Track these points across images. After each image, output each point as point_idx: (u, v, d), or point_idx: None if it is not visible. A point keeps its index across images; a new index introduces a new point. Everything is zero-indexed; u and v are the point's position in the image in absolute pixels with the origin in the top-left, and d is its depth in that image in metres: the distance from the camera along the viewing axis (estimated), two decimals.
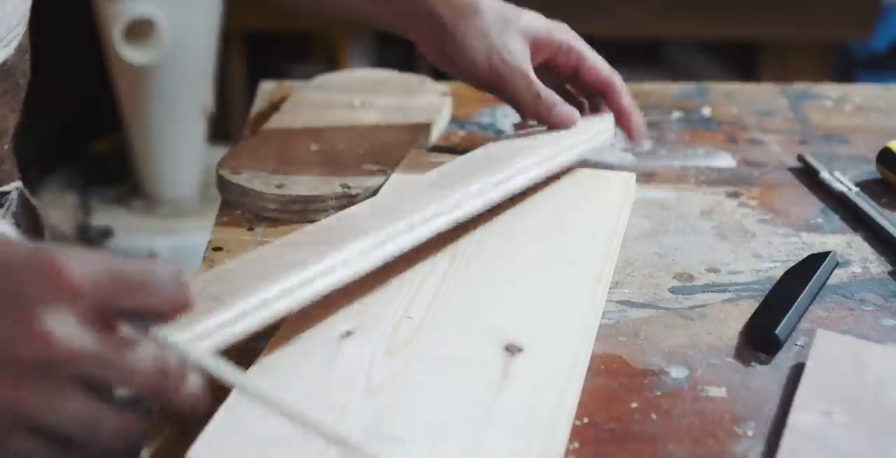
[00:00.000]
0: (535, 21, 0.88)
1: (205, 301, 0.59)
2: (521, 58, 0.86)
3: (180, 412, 0.54)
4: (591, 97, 0.93)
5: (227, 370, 0.55)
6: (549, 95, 0.87)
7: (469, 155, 0.87)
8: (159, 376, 0.51)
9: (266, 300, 0.62)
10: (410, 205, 0.75)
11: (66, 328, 0.48)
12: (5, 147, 0.77)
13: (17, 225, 0.83)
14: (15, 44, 0.77)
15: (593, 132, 0.90)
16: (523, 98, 0.87)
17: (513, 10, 0.88)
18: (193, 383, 0.54)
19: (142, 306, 0.51)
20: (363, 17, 0.91)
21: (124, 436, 0.50)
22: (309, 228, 0.73)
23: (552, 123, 0.88)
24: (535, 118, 0.90)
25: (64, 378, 0.49)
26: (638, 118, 0.91)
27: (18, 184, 0.83)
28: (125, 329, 0.51)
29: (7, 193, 0.81)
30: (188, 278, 0.53)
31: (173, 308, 0.53)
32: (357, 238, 0.69)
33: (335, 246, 0.68)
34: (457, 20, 0.86)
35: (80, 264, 0.49)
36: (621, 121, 0.91)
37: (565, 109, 0.88)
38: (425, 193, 0.77)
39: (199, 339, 0.57)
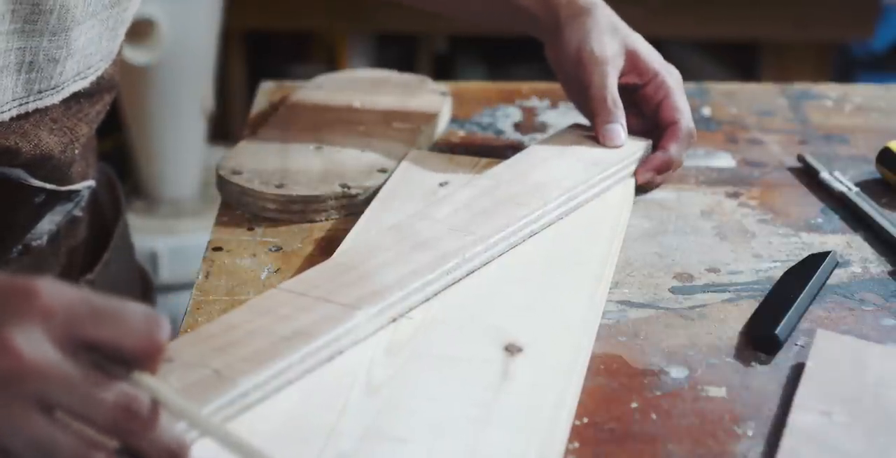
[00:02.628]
0: (641, 42, 0.90)
1: (202, 372, 0.59)
2: (609, 57, 0.87)
3: None
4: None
5: (199, 417, 0.52)
6: (617, 105, 0.88)
7: (492, 182, 0.83)
8: (123, 413, 0.49)
9: (271, 378, 0.61)
10: (434, 257, 0.72)
11: (34, 345, 0.47)
12: (76, 152, 0.80)
13: (81, 215, 0.87)
14: (93, 78, 0.79)
15: (629, 161, 0.88)
16: (593, 94, 0.88)
17: (627, 27, 0.90)
18: (168, 433, 0.51)
19: (110, 339, 0.50)
20: (489, 18, 0.96)
21: None
22: (324, 267, 0.71)
23: (601, 134, 0.88)
24: (590, 119, 0.89)
25: (26, 397, 0.48)
26: (664, 168, 0.89)
27: (90, 183, 0.87)
28: (96, 362, 0.50)
29: (77, 191, 0.84)
30: (161, 322, 0.50)
31: (142, 348, 0.50)
32: (370, 304, 0.67)
33: (348, 312, 0.66)
34: (570, 18, 0.88)
35: (55, 288, 0.49)
36: (653, 158, 0.89)
37: (618, 128, 0.88)
38: (449, 240, 0.74)
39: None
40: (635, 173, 0.88)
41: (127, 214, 1.00)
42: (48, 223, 0.82)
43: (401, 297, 0.68)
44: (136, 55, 1.94)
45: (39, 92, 0.75)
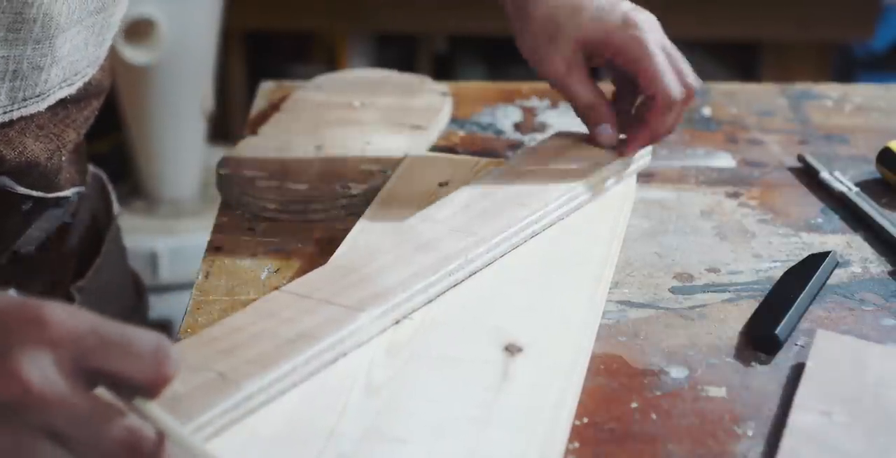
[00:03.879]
0: (591, 22, 0.84)
1: (207, 375, 0.59)
2: (562, 70, 0.85)
3: None
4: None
5: (203, 451, 0.51)
6: (597, 110, 0.86)
7: (492, 183, 0.82)
8: (129, 449, 0.48)
9: (275, 381, 0.61)
10: (436, 258, 0.72)
11: (43, 374, 0.47)
12: (62, 158, 0.80)
13: (71, 222, 0.86)
14: (79, 84, 0.79)
15: (630, 160, 0.88)
16: (574, 108, 0.87)
17: (572, 7, 0.85)
18: None
19: (119, 370, 0.49)
20: None
21: None
22: (326, 269, 0.71)
23: (594, 138, 0.87)
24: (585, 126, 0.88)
25: (34, 426, 0.47)
26: (651, 141, 0.87)
27: (79, 189, 0.86)
28: (105, 394, 0.49)
29: (66, 197, 0.84)
30: (169, 352, 0.50)
31: (150, 380, 0.49)
32: (373, 306, 0.67)
33: (351, 314, 0.66)
34: (518, 22, 0.86)
35: (64, 315, 0.48)
36: (636, 137, 0.86)
37: (606, 131, 0.86)
38: (451, 241, 0.74)
39: (203, 426, 0.56)
40: (627, 151, 0.87)
41: (126, 214, 1.00)
42: (37, 231, 0.81)
43: (404, 299, 0.68)
44: (136, 55, 1.94)
45: (24, 100, 0.74)
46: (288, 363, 0.61)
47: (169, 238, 2.10)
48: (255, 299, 0.69)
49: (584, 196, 0.83)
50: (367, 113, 0.99)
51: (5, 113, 0.73)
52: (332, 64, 2.38)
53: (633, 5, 0.87)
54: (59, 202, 0.83)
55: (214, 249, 0.81)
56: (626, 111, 0.89)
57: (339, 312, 0.65)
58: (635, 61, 0.83)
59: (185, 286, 1.95)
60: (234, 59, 2.35)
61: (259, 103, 1.07)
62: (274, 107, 1.04)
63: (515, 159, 0.87)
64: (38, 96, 0.75)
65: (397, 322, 0.68)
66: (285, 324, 0.64)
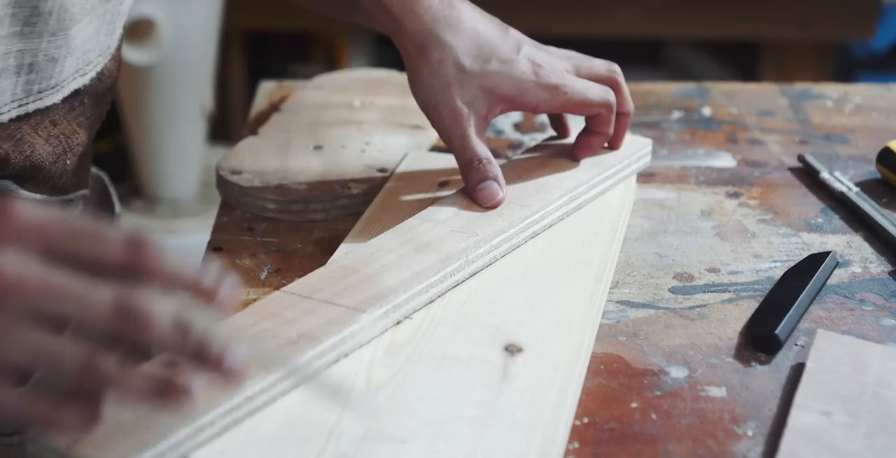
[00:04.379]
0: (501, 77, 0.80)
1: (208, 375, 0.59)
2: (462, 114, 0.79)
3: (179, 353, 0.49)
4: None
5: (211, 323, 0.49)
6: (483, 163, 0.79)
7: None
8: (120, 310, 0.47)
9: (277, 381, 0.60)
10: (438, 259, 0.72)
11: (11, 261, 0.47)
12: (67, 163, 0.79)
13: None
14: (92, 74, 0.79)
15: (630, 161, 0.88)
16: (457, 158, 0.81)
17: (481, 56, 0.80)
18: (176, 321, 0.48)
19: (90, 253, 0.48)
20: (361, 24, 0.88)
21: (90, 369, 0.48)
22: (327, 270, 0.70)
23: (473, 196, 0.79)
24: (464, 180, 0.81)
25: (17, 312, 0.47)
26: (594, 150, 0.85)
27: (83, 192, 0.86)
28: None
29: (70, 200, 0.83)
30: (146, 237, 0.48)
31: (124, 259, 0.48)
32: (374, 306, 0.67)
33: (353, 315, 0.65)
34: (415, 59, 0.81)
35: (31, 208, 0.48)
36: (587, 140, 0.85)
37: (492, 185, 0.78)
38: (452, 242, 0.73)
39: (204, 427, 0.56)
40: (578, 159, 0.85)
41: (126, 214, 1.00)
42: None
43: (405, 299, 0.68)
44: (136, 55, 1.94)
45: (39, 92, 0.74)
46: (290, 364, 0.61)
47: (169, 238, 2.10)
48: (255, 300, 0.69)
49: (585, 196, 0.83)
50: (367, 113, 0.99)
51: (21, 105, 0.73)
52: (332, 64, 2.38)
53: (520, 35, 0.83)
54: (62, 206, 0.83)
55: (214, 249, 0.81)
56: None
57: (341, 312, 0.65)
58: (562, 108, 0.83)
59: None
60: (234, 59, 2.35)
61: (259, 103, 1.07)
62: (274, 107, 1.04)
63: (515, 160, 0.87)
64: (53, 88, 0.75)
65: (399, 323, 0.68)
66: (286, 325, 0.64)
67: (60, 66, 0.74)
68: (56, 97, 0.76)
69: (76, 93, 0.77)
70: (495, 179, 0.79)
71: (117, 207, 0.98)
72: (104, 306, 0.47)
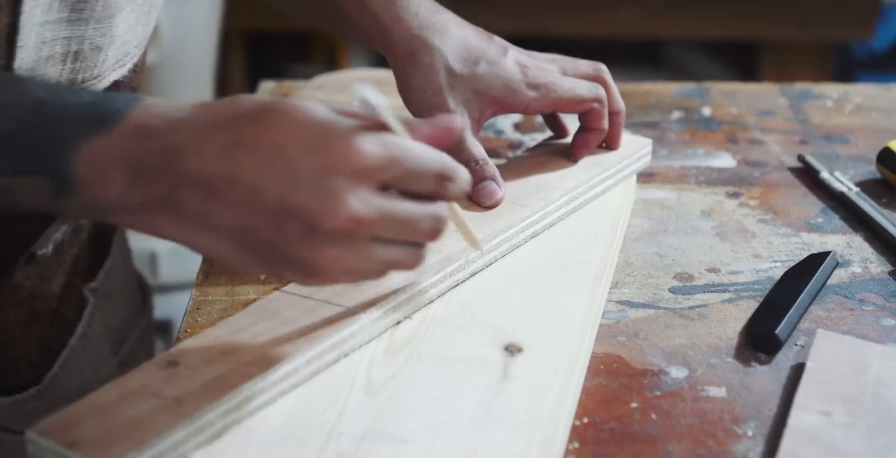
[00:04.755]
0: (492, 78, 0.81)
1: (208, 376, 0.59)
2: (456, 117, 0.80)
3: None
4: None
5: None
6: (481, 163, 0.80)
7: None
8: (434, 230, 0.60)
9: (277, 381, 0.61)
10: (438, 259, 0.72)
11: (365, 203, 0.56)
12: None
13: (81, 226, 0.86)
14: (130, 65, 0.79)
15: (629, 161, 0.88)
16: (457, 158, 0.83)
17: (470, 60, 0.81)
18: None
19: (412, 187, 0.59)
20: (347, 34, 0.89)
21: (417, 264, 0.60)
22: None
23: (473, 196, 0.79)
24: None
25: (367, 239, 0.57)
26: (591, 148, 0.86)
27: None
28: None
29: None
30: (456, 169, 0.60)
31: (436, 190, 0.60)
32: (374, 307, 0.67)
33: (352, 315, 0.66)
34: (405, 65, 0.81)
35: (370, 146, 0.57)
36: (584, 138, 0.85)
37: (490, 187, 0.79)
38: (452, 242, 0.73)
39: (204, 427, 0.57)
40: (576, 158, 0.86)
41: None
42: (53, 231, 0.81)
43: (405, 299, 0.68)
44: None
45: (83, 82, 0.74)
46: (289, 365, 0.61)
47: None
48: (255, 300, 0.69)
49: (585, 196, 0.83)
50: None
51: None
52: (332, 64, 2.38)
53: (504, 41, 0.84)
54: None
55: None
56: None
57: (341, 312, 0.65)
58: (553, 107, 0.83)
59: (185, 286, 1.95)
60: (234, 59, 2.35)
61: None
62: None
63: (515, 160, 0.87)
64: (95, 78, 0.75)
65: (398, 323, 0.68)
66: (287, 324, 0.64)
67: (104, 54, 0.74)
68: (98, 88, 0.76)
69: (115, 85, 0.77)
70: (493, 179, 0.79)
71: None
72: (424, 233, 0.59)
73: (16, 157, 0.56)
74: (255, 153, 0.56)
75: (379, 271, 0.60)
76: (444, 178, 0.60)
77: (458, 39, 0.81)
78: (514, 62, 0.82)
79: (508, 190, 0.80)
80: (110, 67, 0.76)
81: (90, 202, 0.56)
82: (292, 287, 0.68)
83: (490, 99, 0.81)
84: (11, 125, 0.55)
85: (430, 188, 0.60)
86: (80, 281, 0.87)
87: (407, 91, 0.82)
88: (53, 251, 0.81)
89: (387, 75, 1.09)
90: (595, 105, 0.83)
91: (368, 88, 0.58)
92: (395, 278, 0.69)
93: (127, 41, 0.77)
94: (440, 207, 0.60)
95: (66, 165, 0.55)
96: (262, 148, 0.56)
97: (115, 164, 0.55)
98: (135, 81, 0.81)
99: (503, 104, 0.82)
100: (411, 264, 0.60)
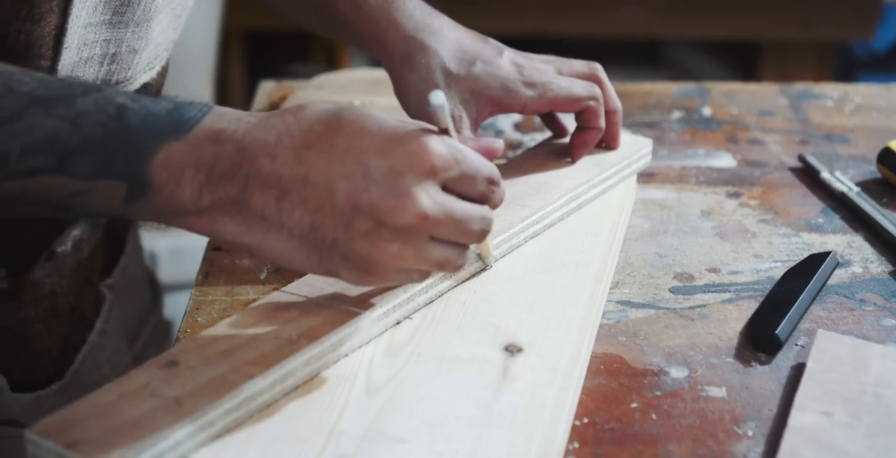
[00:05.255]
0: (488, 78, 0.81)
1: (209, 376, 0.59)
2: (451, 116, 0.80)
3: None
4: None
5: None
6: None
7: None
8: (483, 233, 0.64)
9: (277, 381, 0.61)
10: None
11: (432, 200, 0.60)
12: None
13: (98, 223, 0.88)
14: (158, 67, 0.80)
15: (630, 161, 0.88)
16: None
17: (466, 60, 0.81)
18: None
19: (466, 191, 0.63)
20: (341, 37, 0.88)
21: (462, 265, 0.64)
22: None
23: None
24: None
25: (426, 237, 0.61)
26: (589, 147, 0.86)
27: None
28: None
29: None
30: (497, 180, 0.65)
31: (485, 194, 0.64)
32: (374, 307, 0.67)
33: (352, 315, 0.66)
34: (401, 66, 0.81)
35: (437, 146, 0.60)
36: (582, 137, 0.86)
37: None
38: None
39: (205, 426, 0.57)
40: (575, 158, 0.86)
41: None
42: (73, 229, 0.82)
43: (405, 299, 0.68)
44: None
45: (116, 83, 0.75)
46: (289, 365, 0.61)
47: (169, 238, 2.10)
48: (254, 300, 0.69)
49: (585, 196, 0.83)
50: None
51: None
52: (332, 64, 2.38)
53: (499, 43, 0.84)
54: None
55: (214, 249, 0.81)
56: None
57: (341, 312, 0.65)
58: (551, 106, 0.83)
59: (185, 286, 1.95)
60: (234, 59, 2.35)
61: (259, 103, 1.07)
62: (274, 107, 1.04)
63: (515, 160, 0.87)
64: (127, 80, 0.76)
65: (398, 323, 0.68)
66: (286, 324, 0.64)
67: (138, 57, 0.75)
68: (128, 89, 0.76)
69: (144, 86, 0.78)
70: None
71: None
72: (474, 233, 0.63)
73: (100, 162, 0.57)
74: (327, 154, 0.59)
75: (427, 272, 0.64)
76: (493, 182, 0.64)
77: (453, 41, 0.82)
78: (509, 62, 0.82)
79: (508, 190, 0.80)
80: (142, 70, 0.77)
81: (161, 205, 0.59)
82: (292, 287, 0.68)
83: (487, 99, 0.81)
84: (97, 131, 0.57)
85: (481, 191, 0.64)
86: (96, 278, 0.87)
87: (403, 92, 0.82)
88: (72, 249, 0.81)
89: (386, 76, 1.09)
90: (591, 103, 0.83)
91: (441, 94, 0.62)
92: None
93: (159, 44, 0.78)
94: (488, 210, 0.64)
95: (145, 169, 0.58)
96: (334, 150, 0.60)
97: (190, 167, 0.58)
98: (160, 82, 0.82)
99: (500, 104, 0.82)
100: (457, 264, 0.64)
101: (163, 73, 0.82)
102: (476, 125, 0.82)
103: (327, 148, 0.60)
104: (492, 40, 0.84)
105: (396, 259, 0.60)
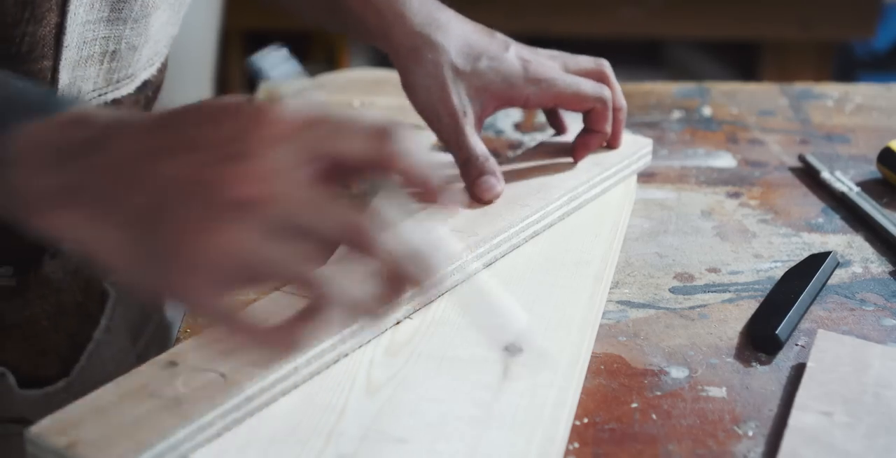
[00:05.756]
0: (493, 74, 0.81)
1: (209, 376, 0.59)
2: (457, 111, 0.80)
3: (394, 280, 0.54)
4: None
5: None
6: (480, 158, 0.80)
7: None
8: (350, 226, 0.52)
9: (277, 381, 0.61)
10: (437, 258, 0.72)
11: (283, 168, 0.51)
12: None
13: None
14: (158, 64, 0.80)
15: (630, 161, 0.88)
16: (455, 155, 0.81)
17: (472, 56, 0.81)
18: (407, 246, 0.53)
19: (345, 151, 0.52)
20: (349, 31, 0.88)
21: (307, 281, 0.52)
22: (325, 270, 0.69)
23: (473, 191, 0.80)
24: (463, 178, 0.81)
25: (267, 221, 0.51)
26: (591, 149, 0.86)
27: None
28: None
29: None
30: (391, 129, 0.53)
31: (375, 154, 0.53)
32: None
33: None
34: (408, 61, 0.81)
35: (295, 110, 0.53)
36: (585, 139, 0.85)
37: (489, 181, 0.79)
38: (452, 241, 0.73)
39: (204, 427, 0.57)
40: (577, 159, 0.85)
41: None
42: None
43: (405, 298, 0.68)
44: None
45: (118, 81, 0.75)
46: (290, 364, 0.61)
47: None
48: (255, 300, 0.69)
49: (585, 196, 0.83)
50: (367, 113, 0.99)
51: (100, 95, 0.74)
52: (332, 64, 2.38)
53: (506, 37, 0.84)
54: None
55: None
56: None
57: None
58: (554, 101, 0.83)
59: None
60: (234, 59, 2.35)
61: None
62: None
63: (516, 159, 0.87)
64: (128, 78, 0.76)
65: (398, 323, 0.68)
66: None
67: (138, 54, 0.75)
68: (130, 87, 0.76)
69: (144, 84, 0.78)
70: (493, 174, 0.79)
71: None
72: (337, 223, 0.51)
73: None
74: (175, 138, 0.53)
75: (265, 276, 0.52)
76: (381, 135, 0.53)
77: (460, 36, 0.82)
78: (515, 57, 0.82)
79: (509, 190, 0.80)
80: (142, 67, 0.77)
81: (15, 186, 0.54)
82: (291, 287, 0.68)
83: (491, 94, 0.81)
84: None
85: (363, 149, 0.53)
86: (100, 275, 0.87)
87: (410, 87, 0.82)
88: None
89: (386, 76, 1.09)
90: (598, 105, 0.83)
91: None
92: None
93: (158, 41, 0.78)
94: (366, 216, 0.53)
95: (10, 142, 0.54)
96: (181, 134, 0.53)
97: (49, 146, 0.54)
98: (160, 79, 0.82)
99: (503, 99, 0.82)
100: (298, 271, 0.51)
101: (162, 69, 0.82)
102: (481, 122, 0.82)
103: (176, 133, 0.53)
104: (499, 34, 0.84)
105: (228, 246, 0.50)
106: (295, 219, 0.51)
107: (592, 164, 0.85)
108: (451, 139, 0.81)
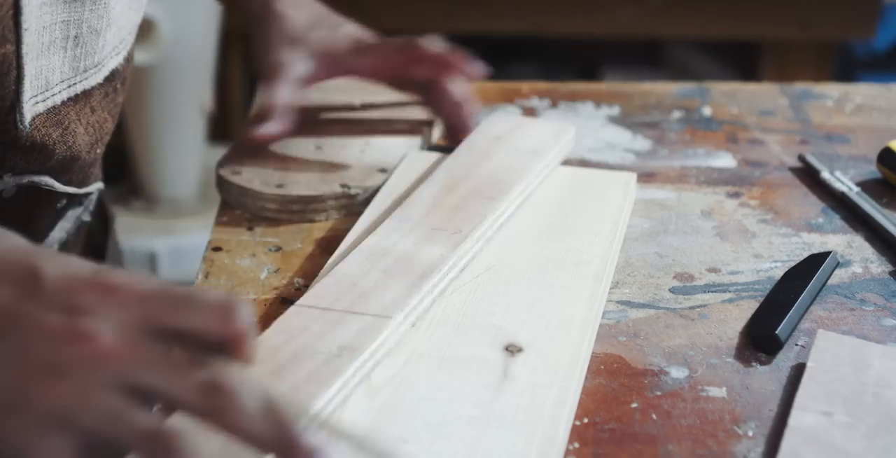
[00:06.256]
0: (327, 41, 0.92)
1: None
2: (274, 73, 0.90)
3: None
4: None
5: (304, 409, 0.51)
6: (275, 110, 0.89)
7: (447, 178, 0.83)
8: (210, 389, 0.48)
9: (334, 396, 0.60)
10: (434, 258, 0.72)
11: (112, 331, 0.48)
12: (98, 152, 0.80)
13: (91, 223, 0.88)
14: (125, 53, 0.80)
15: (561, 146, 0.90)
16: (262, 102, 0.91)
17: (310, 26, 0.92)
18: (262, 415, 0.48)
19: (187, 325, 0.50)
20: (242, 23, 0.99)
21: (152, 442, 0.47)
22: (333, 280, 0.69)
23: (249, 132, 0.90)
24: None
25: (105, 382, 0.48)
26: (469, 111, 0.93)
27: (100, 185, 0.87)
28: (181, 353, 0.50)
29: (90, 193, 0.85)
30: (236, 305, 0.50)
31: (219, 331, 0.50)
32: (398, 311, 0.66)
33: (381, 321, 0.65)
34: (256, 27, 0.93)
35: (131, 279, 0.50)
36: (446, 113, 0.93)
37: (271, 128, 0.89)
38: (440, 239, 0.74)
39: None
40: (459, 136, 0.91)
41: (125, 214, 1.01)
42: (59, 231, 0.81)
43: (419, 300, 0.68)
44: (135, 55, 1.94)
45: (85, 70, 0.74)
46: (342, 378, 0.60)
47: (168, 238, 2.10)
48: (255, 300, 0.69)
49: (534, 184, 0.85)
50: (367, 113, 0.99)
51: (70, 86, 0.74)
52: None
53: (344, 19, 0.96)
54: (81, 200, 0.84)
55: (214, 249, 0.81)
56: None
57: (369, 321, 0.65)
58: (390, 72, 0.94)
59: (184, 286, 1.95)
60: (234, 59, 2.35)
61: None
62: None
63: (457, 152, 0.88)
64: (96, 66, 0.76)
65: (413, 325, 0.68)
66: (321, 339, 0.63)
67: (103, 39, 0.75)
68: (98, 76, 0.76)
69: (113, 74, 0.78)
70: (269, 120, 0.88)
71: (110, 208, 0.98)
72: (192, 385, 0.48)
73: None
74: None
75: (102, 428, 0.47)
76: (225, 311, 0.50)
77: (303, 8, 0.94)
78: (352, 30, 0.94)
79: (466, 183, 0.82)
80: (108, 55, 0.77)
81: None
82: (307, 300, 0.67)
83: (322, 59, 0.91)
84: None
85: (205, 324, 0.50)
86: None
87: (253, 50, 0.93)
88: (59, 251, 0.81)
89: None
90: (427, 52, 0.91)
91: None
92: (399, 284, 0.69)
93: (122, 26, 0.78)
94: (227, 376, 0.48)
95: None
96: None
97: None
98: (127, 70, 0.82)
99: (336, 63, 0.92)
100: (143, 441, 0.47)
101: (129, 59, 0.82)
102: (313, 81, 0.92)
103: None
104: (337, 15, 0.96)
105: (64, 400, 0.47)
106: (141, 380, 0.48)
107: (529, 152, 0.87)
108: (267, 89, 0.90)
